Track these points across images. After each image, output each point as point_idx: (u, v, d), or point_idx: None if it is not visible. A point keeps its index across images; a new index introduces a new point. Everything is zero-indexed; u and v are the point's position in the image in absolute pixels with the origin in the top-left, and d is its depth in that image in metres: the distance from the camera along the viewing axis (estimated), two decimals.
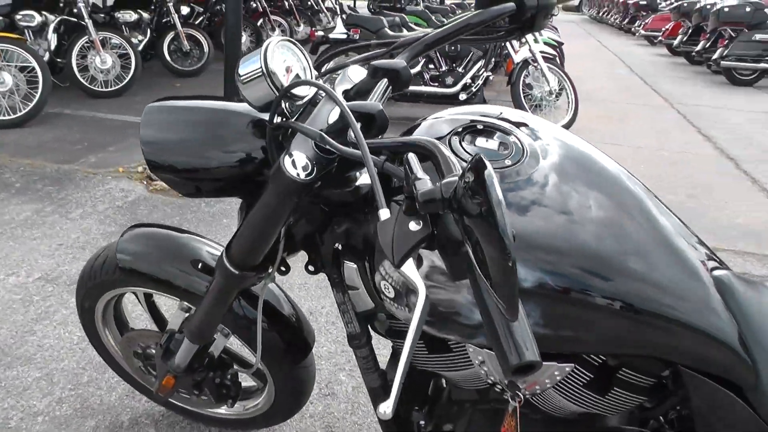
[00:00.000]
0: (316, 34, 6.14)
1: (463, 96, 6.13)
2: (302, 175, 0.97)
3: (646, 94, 9.31)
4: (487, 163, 0.67)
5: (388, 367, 1.39)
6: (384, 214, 0.80)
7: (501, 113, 1.20)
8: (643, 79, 10.64)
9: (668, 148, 6.18)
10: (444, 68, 6.17)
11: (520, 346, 0.68)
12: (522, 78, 6.22)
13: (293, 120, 1.08)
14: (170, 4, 7.51)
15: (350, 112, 0.92)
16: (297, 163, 0.98)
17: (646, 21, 17.12)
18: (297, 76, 1.09)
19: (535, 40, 6.38)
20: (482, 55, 6.16)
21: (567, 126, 6.27)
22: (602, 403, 1.16)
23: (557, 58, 6.91)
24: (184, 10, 8.20)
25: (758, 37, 9.94)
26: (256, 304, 1.38)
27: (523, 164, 1.06)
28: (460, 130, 1.11)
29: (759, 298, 1.09)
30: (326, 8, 12.10)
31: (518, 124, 1.16)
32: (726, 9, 10.45)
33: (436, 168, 0.83)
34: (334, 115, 1.05)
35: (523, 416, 1.17)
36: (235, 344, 1.66)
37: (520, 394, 1.12)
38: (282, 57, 1.07)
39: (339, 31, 5.99)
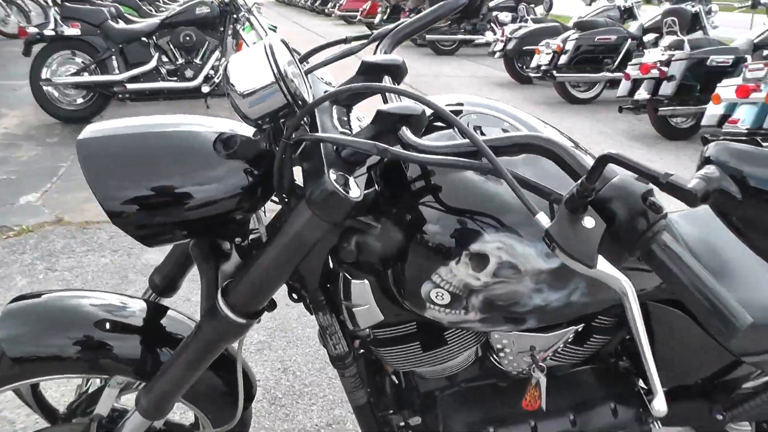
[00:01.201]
0: (28, 31, 5.27)
1: (206, 88, 5.81)
2: (352, 194, 0.91)
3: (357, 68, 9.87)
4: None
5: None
6: (544, 219, 0.79)
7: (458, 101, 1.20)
8: (359, 56, 11.25)
9: None
10: (181, 61, 5.79)
11: (739, 312, 0.75)
12: None
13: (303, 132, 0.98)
14: None
15: (458, 120, 0.86)
16: (338, 180, 0.91)
17: (341, 2, 18.11)
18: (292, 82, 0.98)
19: (271, 27, 6.30)
20: (218, 43, 5.91)
21: None
22: (578, 352, 1.29)
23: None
24: None
25: None
26: None
27: None
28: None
29: (696, 228, 1.29)
30: None
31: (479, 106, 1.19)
32: None
33: (560, 166, 0.85)
34: (339, 121, 1.05)
35: (490, 387, 1.28)
36: None
37: (543, 365, 1.19)
38: (284, 60, 0.95)
39: (52, 27, 5.23)
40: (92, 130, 1.03)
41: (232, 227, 1.09)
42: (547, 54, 7.20)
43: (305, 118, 0.98)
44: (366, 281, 1.09)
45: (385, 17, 13.39)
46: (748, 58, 5.27)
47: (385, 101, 1.14)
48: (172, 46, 5.67)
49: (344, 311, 1.15)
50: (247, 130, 1.07)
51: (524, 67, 8.60)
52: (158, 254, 3.30)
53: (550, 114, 6.91)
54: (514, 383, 1.29)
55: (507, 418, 1.28)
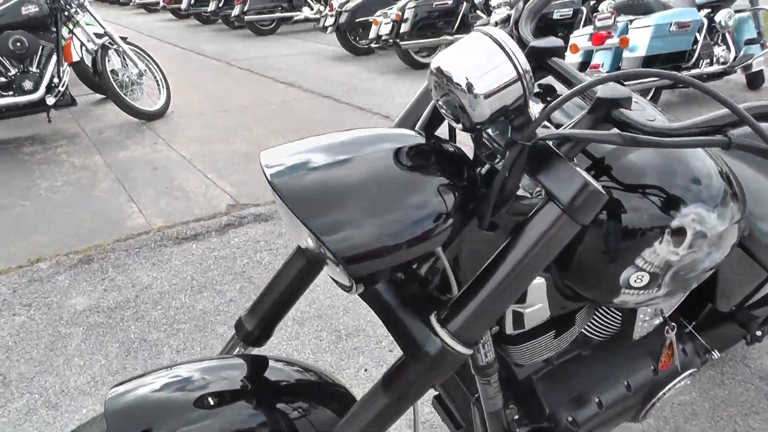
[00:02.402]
0: None
1: (50, 99, 4.92)
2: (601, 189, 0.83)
3: (196, 59, 9.08)
4: None
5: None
6: None
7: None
8: (178, 46, 10.34)
9: (271, 101, 6.19)
10: (14, 71, 4.81)
11: None
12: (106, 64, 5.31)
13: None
14: None
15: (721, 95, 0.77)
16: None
17: None
18: None
19: (88, 22, 5.39)
20: (54, 46, 5.00)
21: (166, 106, 5.69)
22: None
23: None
24: None
25: None
26: None
27: None
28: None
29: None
30: None
31: None
32: None
33: None
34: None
35: (576, 358, 1.27)
36: None
37: (674, 324, 1.23)
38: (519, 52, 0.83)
39: None
40: (279, 163, 0.83)
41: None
42: (387, 24, 7.05)
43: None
44: (543, 279, 1.02)
45: (192, 2, 12.39)
46: (584, 9, 5.54)
47: None
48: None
49: (508, 315, 1.06)
50: (418, 139, 0.92)
51: (357, 38, 8.39)
52: (83, 298, 2.72)
53: (405, 81, 6.81)
54: (597, 350, 1.29)
55: (602, 383, 1.28)
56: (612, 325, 1.25)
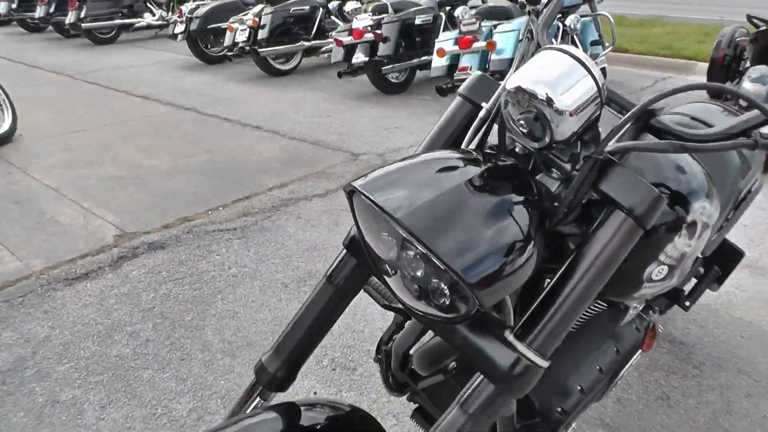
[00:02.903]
0: None
1: None
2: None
3: (33, 73, 8.11)
4: None
5: None
6: None
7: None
8: (4, 57, 9.23)
9: (131, 117, 5.73)
10: None
11: None
12: None
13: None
14: None
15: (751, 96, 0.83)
16: None
17: None
18: None
19: None
20: None
21: (14, 128, 5.08)
22: None
23: None
24: None
25: None
26: None
27: None
28: None
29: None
30: None
31: None
32: None
33: None
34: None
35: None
36: None
37: (657, 308, 1.35)
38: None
39: None
40: (385, 192, 0.81)
41: None
42: (243, 30, 6.79)
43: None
44: None
45: (14, 6, 11.05)
46: (442, 15, 5.72)
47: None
48: None
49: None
50: (478, 158, 0.91)
51: (208, 46, 8.02)
52: (8, 332, 2.34)
53: (265, 89, 6.62)
54: (569, 340, 1.29)
55: (580, 371, 1.31)
56: (593, 314, 1.30)
